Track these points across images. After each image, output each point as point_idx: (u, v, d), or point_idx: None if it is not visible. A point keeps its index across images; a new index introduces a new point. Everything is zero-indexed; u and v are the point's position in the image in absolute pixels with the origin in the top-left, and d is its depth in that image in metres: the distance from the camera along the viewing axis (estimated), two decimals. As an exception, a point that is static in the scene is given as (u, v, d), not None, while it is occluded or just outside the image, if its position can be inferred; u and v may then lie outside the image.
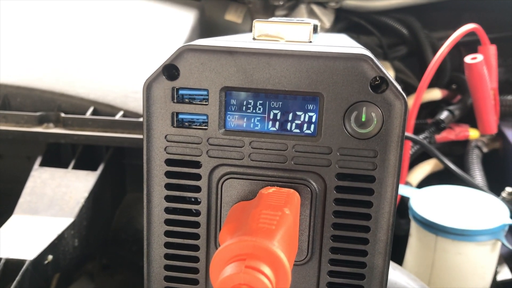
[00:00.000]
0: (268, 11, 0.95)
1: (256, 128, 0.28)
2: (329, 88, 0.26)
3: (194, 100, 0.28)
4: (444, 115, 0.85)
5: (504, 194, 0.73)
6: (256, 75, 0.27)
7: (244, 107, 0.27)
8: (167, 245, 0.29)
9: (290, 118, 0.27)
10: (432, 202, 0.64)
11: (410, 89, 1.03)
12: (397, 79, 1.04)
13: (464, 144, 0.87)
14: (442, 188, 0.69)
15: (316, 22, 0.35)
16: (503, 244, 0.62)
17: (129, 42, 0.78)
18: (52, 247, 0.52)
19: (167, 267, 0.30)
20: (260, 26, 0.30)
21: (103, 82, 0.70)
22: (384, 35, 1.09)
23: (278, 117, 0.27)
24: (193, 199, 0.29)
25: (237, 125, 0.28)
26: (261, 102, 0.27)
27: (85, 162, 0.64)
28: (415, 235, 0.66)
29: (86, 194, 0.59)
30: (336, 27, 1.08)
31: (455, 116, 0.86)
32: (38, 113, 0.67)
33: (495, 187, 0.77)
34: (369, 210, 0.27)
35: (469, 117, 0.90)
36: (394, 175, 0.27)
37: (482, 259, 0.61)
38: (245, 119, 0.27)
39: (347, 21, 1.10)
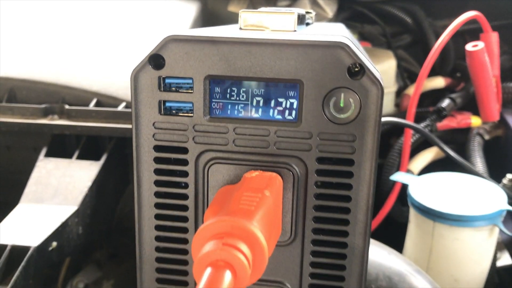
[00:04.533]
0: (270, 1, 0.95)
1: (240, 114, 0.29)
2: (309, 75, 0.27)
3: (180, 89, 0.29)
4: (445, 103, 0.85)
5: (505, 180, 0.74)
6: (238, 63, 0.28)
7: (227, 95, 0.28)
8: (158, 227, 0.31)
9: (272, 104, 0.28)
10: (431, 189, 0.65)
11: (414, 77, 1.03)
12: (401, 67, 1.05)
13: (466, 131, 0.87)
14: (441, 175, 0.69)
15: (303, 11, 0.36)
16: (501, 230, 0.63)
17: (132, 34, 0.80)
18: (56, 234, 0.53)
19: (158, 249, 0.31)
20: (246, 16, 0.31)
21: (105, 74, 0.72)
22: (387, 24, 1.09)
23: (261, 104, 0.28)
24: (182, 184, 0.30)
25: (221, 112, 0.29)
26: (244, 89, 0.28)
27: (89, 153, 0.66)
28: (414, 222, 0.66)
29: (89, 183, 0.60)
30: (340, 17, 1.08)
31: (457, 104, 0.86)
32: (43, 105, 0.69)
33: (497, 174, 0.77)
34: (348, 192, 0.28)
35: (471, 105, 0.90)
36: (372, 158, 0.27)
37: (479, 244, 0.62)
38: (229, 106, 0.29)
39: (350, 10, 1.10)
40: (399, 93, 0.99)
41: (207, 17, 0.93)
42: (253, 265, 0.23)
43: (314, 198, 0.29)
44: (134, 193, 0.31)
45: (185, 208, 0.30)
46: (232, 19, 1.05)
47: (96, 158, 0.64)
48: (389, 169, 0.82)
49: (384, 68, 0.91)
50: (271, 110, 0.28)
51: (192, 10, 0.86)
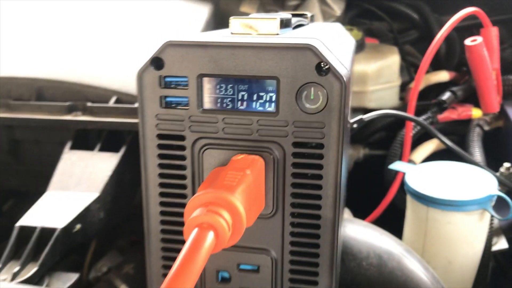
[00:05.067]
0: (279, 1, 1.00)
1: (228, 107, 0.34)
2: (284, 73, 0.32)
3: (177, 86, 0.34)
4: (446, 96, 0.88)
5: (502, 169, 0.77)
6: (224, 64, 0.33)
7: (217, 90, 0.34)
8: (162, 203, 0.36)
9: (254, 98, 0.33)
10: (425, 176, 0.69)
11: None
12: (407, 62, 1.08)
13: (467, 123, 0.91)
14: (437, 164, 0.73)
15: (288, 15, 0.41)
16: (493, 216, 0.67)
17: (147, 36, 0.86)
18: (80, 218, 0.59)
19: (162, 222, 0.37)
20: (235, 22, 0.36)
21: (123, 74, 0.78)
22: (395, 20, 1.13)
23: (245, 97, 0.34)
24: (181, 166, 0.36)
25: (212, 105, 0.34)
26: (230, 86, 0.34)
27: (109, 145, 0.72)
28: (410, 207, 0.71)
29: (110, 173, 0.66)
30: (348, 14, 1.12)
31: (458, 96, 0.89)
32: (67, 103, 0.75)
33: (497, 163, 0.80)
34: (320, 172, 0.33)
35: (474, 98, 0.93)
36: (338, 142, 0.32)
37: (470, 227, 0.66)
38: (218, 100, 0.34)
39: (359, 8, 1.13)
40: (405, 87, 1.03)
41: (220, 17, 0.98)
42: (232, 228, 0.28)
43: (291, 177, 0.34)
44: (141, 175, 0.36)
45: (184, 186, 0.36)
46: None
47: (116, 150, 0.70)
48: (391, 160, 0.86)
49: (388, 63, 0.94)
50: (254, 103, 0.33)
51: (205, 11, 0.91)
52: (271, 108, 0.33)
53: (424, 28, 1.09)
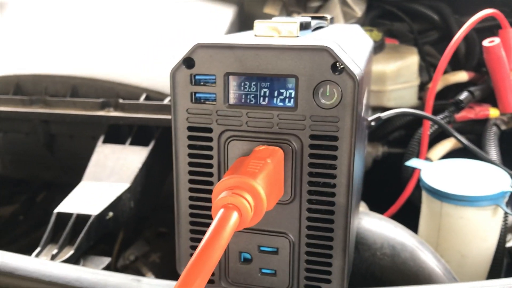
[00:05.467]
0: (301, 2, 1.03)
1: (251, 102, 0.37)
2: (302, 72, 0.36)
3: (206, 83, 0.38)
4: (463, 95, 0.91)
5: (518, 167, 0.79)
6: (248, 63, 0.36)
7: (242, 87, 0.37)
8: (191, 190, 0.40)
9: (275, 94, 0.37)
10: (440, 173, 0.72)
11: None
12: (427, 62, 1.10)
13: (484, 123, 0.93)
14: (453, 161, 0.76)
15: (308, 19, 0.44)
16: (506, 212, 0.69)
17: (174, 37, 0.90)
18: (112, 206, 0.64)
19: (191, 206, 0.40)
20: (259, 25, 0.40)
21: (153, 72, 0.82)
22: (416, 21, 1.15)
23: (267, 94, 0.37)
24: (208, 156, 0.39)
25: (237, 101, 0.38)
26: (254, 83, 0.37)
27: (139, 140, 0.76)
28: (425, 203, 0.73)
29: (140, 165, 0.71)
30: (369, 15, 1.14)
31: (475, 96, 0.91)
32: (100, 100, 0.79)
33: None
34: (334, 162, 0.37)
35: (492, 98, 0.95)
36: (351, 135, 0.36)
37: (483, 223, 0.68)
38: (243, 96, 0.38)
39: (380, 9, 1.16)
40: (424, 87, 1.05)
41: (244, 18, 1.02)
42: (254, 209, 0.32)
43: (308, 166, 0.37)
44: (173, 164, 0.40)
45: (210, 174, 0.39)
46: (268, 19, 1.13)
47: (146, 144, 0.74)
48: (408, 157, 0.88)
49: (407, 63, 0.97)
50: (275, 99, 0.37)
51: (230, 13, 0.95)
52: (291, 103, 0.37)
53: (444, 29, 1.11)
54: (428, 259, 0.58)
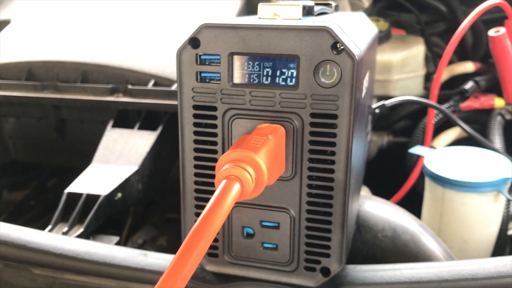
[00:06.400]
0: (309, -7, 1.04)
1: (254, 82, 0.39)
2: (303, 52, 0.37)
3: (211, 63, 0.39)
4: (468, 85, 0.91)
5: (521, 156, 0.80)
6: (252, 43, 0.38)
7: (245, 67, 0.39)
8: (196, 166, 0.42)
9: (277, 74, 0.38)
10: (443, 160, 0.73)
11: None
12: (434, 53, 1.11)
13: (490, 112, 0.94)
14: (456, 149, 0.77)
15: (311, 3, 0.45)
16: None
17: (182, 27, 0.91)
18: (121, 187, 0.66)
19: (196, 182, 0.42)
20: (262, 8, 0.41)
21: (161, 59, 0.84)
22: (423, 12, 1.15)
23: (269, 73, 0.38)
24: (213, 133, 0.41)
25: (241, 80, 0.39)
26: (257, 63, 0.39)
27: (148, 124, 0.78)
28: (428, 189, 0.74)
29: (148, 149, 0.72)
30: (377, 6, 1.15)
31: (480, 86, 0.92)
32: (110, 86, 0.81)
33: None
34: (333, 139, 0.38)
35: (498, 88, 0.95)
36: (350, 113, 0.37)
37: (484, 208, 0.69)
38: (246, 75, 0.39)
39: (387, 0, 1.17)
40: (430, 77, 1.06)
41: (251, 8, 1.03)
42: (255, 182, 0.33)
43: (308, 144, 0.39)
44: (179, 141, 0.42)
45: (215, 151, 0.41)
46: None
47: (153, 129, 0.76)
48: (413, 146, 0.89)
49: (412, 53, 0.98)
50: (277, 78, 0.38)
51: (236, 6, 0.96)
52: (292, 83, 0.38)
53: (451, 20, 1.11)
54: (429, 241, 0.59)
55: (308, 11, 0.44)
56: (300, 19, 0.40)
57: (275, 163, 0.37)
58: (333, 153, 0.38)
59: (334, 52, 0.36)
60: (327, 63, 0.37)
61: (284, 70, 0.38)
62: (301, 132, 0.39)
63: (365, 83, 0.46)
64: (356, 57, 0.36)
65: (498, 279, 0.42)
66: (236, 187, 0.32)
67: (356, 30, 0.46)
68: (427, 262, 0.47)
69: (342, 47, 0.36)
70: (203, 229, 0.29)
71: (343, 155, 0.38)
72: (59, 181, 1.03)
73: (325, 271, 0.41)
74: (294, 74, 0.38)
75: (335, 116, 0.38)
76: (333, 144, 0.38)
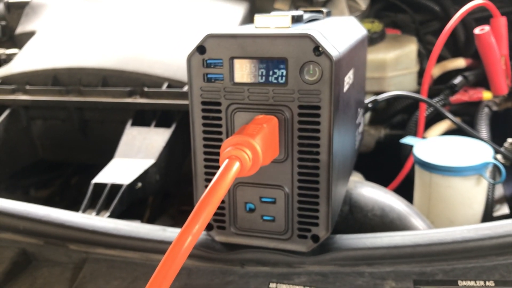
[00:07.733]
0: (308, -1, 1.12)
1: (251, 80, 0.47)
2: (291, 54, 0.45)
3: (215, 66, 0.47)
4: (457, 80, 0.99)
5: (506, 144, 0.87)
6: (248, 49, 0.46)
7: (244, 68, 0.47)
8: (205, 153, 0.50)
9: (270, 74, 0.46)
10: (431, 148, 0.80)
11: (440, 60, 1.16)
12: (428, 51, 1.18)
13: (478, 105, 1.00)
14: (443, 138, 0.84)
15: (301, 12, 0.53)
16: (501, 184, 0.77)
17: (190, 32, 1.00)
18: (141, 178, 0.74)
19: (206, 166, 0.50)
20: (258, 18, 0.49)
21: (173, 64, 0.92)
22: (418, 12, 1.23)
23: (264, 73, 0.46)
24: (218, 125, 0.49)
25: (240, 79, 0.47)
26: (253, 65, 0.47)
27: (163, 122, 0.86)
28: (417, 175, 0.82)
29: (163, 144, 0.81)
30: (374, 8, 1.22)
31: (469, 81, 0.99)
32: (128, 89, 0.90)
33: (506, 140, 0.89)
34: (318, 127, 0.46)
35: (486, 82, 1.02)
36: (330, 105, 0.45)
37: (468, 191, 0.76)
38: (245, 75, 0.47)
39: (383, 2, 1.24)
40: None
41: (255, 14, 1.11)
42: (252, 161, 0.41)
43: (297, 131, 0.47)
44: (191, 133, 0.50)
45: (220, 140, 0.49)
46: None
47: (168, 126, 0.84)
48: (406, 137, 0.97)
49: (405, 51, 1.05)
50: (270, 77, 0.46)
51: (242, 9, 1.05)
52: (282, 80, 0.46)
53: (445, 20, 1.18)
54: (413, 219, 0.66)
55: (297, 20, 0.52)
56: (289, 27, 0.48)
57: (269, 147, 0.45)
58: (317, 138, 0.46)
59: (316, 54, 0.44)
60: (310, 64, 0.45)
61: (275, 70, 0.46)
62: (291, 122, 0.46)
63: (348, 79, 0.54)
64: (334, 58, 0.44)
65: (463, 243, 0.50)
66: (236, 165, 0.40)
67: (339, 34, 0.54)
68: (403, 231, 0.55)
69: (322, 50, 0.44)
70: (211, 196, 0.37)
71: (326, 140, 0.46)
72: (81, 179, 1.12)
73: (315, 238, 0.49)
74: (284, 74, 0.46)
75: (318, 107, 0.45)
76: (318, 131, 0.46)
